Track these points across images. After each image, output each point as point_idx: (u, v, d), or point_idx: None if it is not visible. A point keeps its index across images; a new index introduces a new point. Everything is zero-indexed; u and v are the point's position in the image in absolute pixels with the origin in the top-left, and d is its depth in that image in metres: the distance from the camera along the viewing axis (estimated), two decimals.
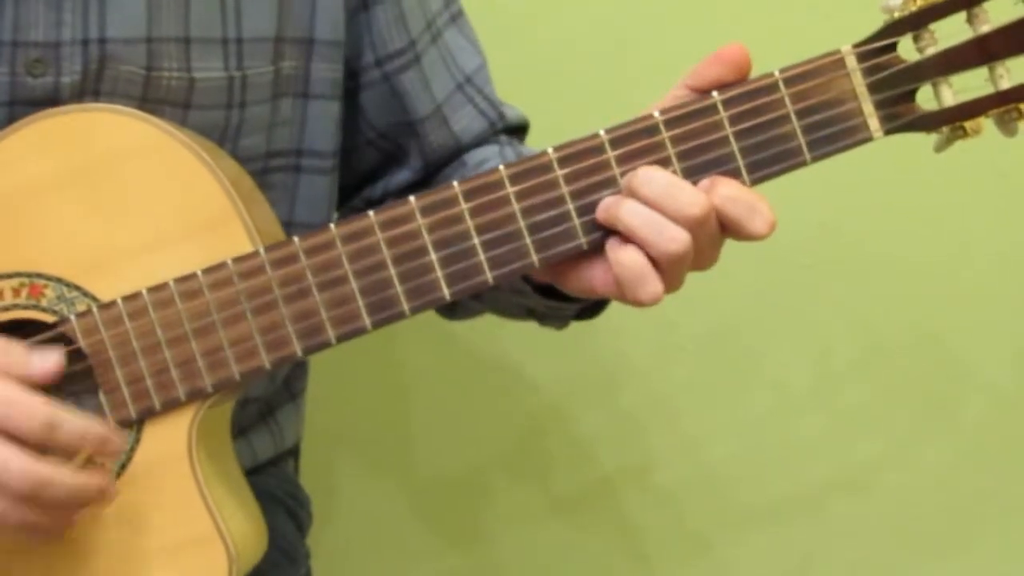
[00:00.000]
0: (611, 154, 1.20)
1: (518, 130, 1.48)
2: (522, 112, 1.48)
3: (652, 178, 1.18)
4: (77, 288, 1.22)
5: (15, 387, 1.16)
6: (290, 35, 1.35)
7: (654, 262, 1.18)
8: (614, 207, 1.19)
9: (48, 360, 1.19)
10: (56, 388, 1.26)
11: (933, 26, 1.19)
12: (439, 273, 1.22)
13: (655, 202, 1.17)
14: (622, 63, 1.79)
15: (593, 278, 1.22)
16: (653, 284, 1.18)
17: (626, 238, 1.18)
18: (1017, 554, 1.88)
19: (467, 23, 1.46)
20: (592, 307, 1.36)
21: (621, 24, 1.80)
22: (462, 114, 1.44)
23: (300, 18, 1.35)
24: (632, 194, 1.18)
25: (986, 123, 1.20)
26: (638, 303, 1.19)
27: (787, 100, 1.20)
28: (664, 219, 1.17)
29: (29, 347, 1.20)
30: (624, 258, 1.19)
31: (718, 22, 1.78)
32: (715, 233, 1.19)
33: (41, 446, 1.15)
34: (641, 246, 1.18)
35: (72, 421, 1.16)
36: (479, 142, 1.44)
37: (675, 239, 1.17)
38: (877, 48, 1.20)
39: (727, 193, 1.18)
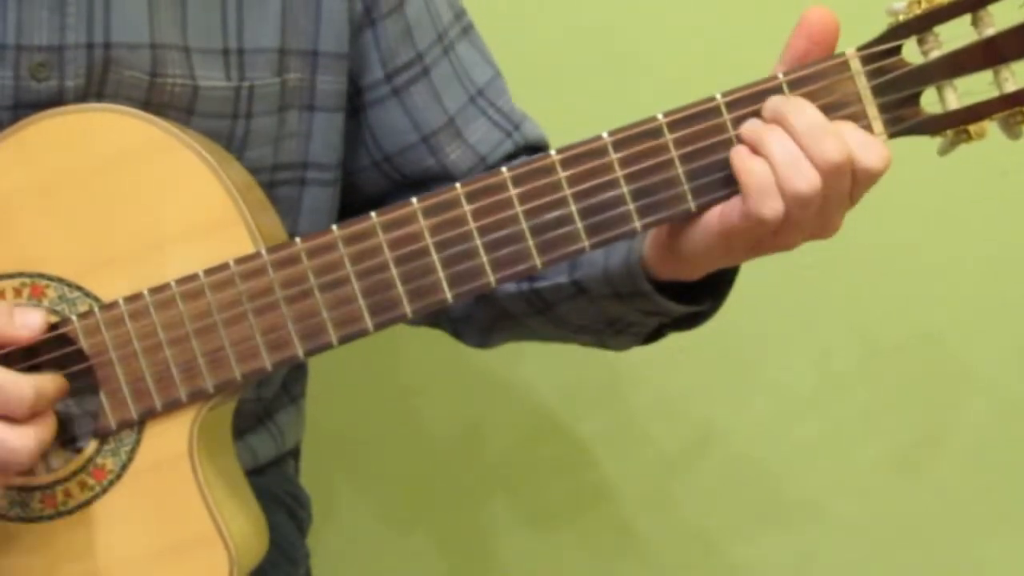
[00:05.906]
0: (614, 156, 1.20)
1: (536, 150, 1.45)
2: (542, 131, 1.46)
3: (804, 110, 1.18)
4: (79, 288, 1.22)
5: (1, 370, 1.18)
6: (294, 47, 1.34)
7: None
8: (762, 128, 1.18)
9: (30, 318, 1.20)
10: None
11: (938, 29, 1.19)
12: (441, 275, 1.21)
13: (799, 135, 1.17)
14: (624, 64, 1.79)
15: (710, 218, 1.21)
16: (776, 200, 1.17)
17: (754, 152, 1.18)
18: (1020, 556, 1.87)
19: (478, 36, 1.45)
20: (686, 318, 1.35)
21: (623, 25, 1.79)
22: (476, 126, 1.42)
23: (304, 30, 1.35)
24: (780, 120, 1.18)
25: (990, 126, 1.20)
26: (760, 219, 1.17)
27: None
28: (803, 156, 1.17)
29: (10, 307, 1.20)
30: (754, 166, 1.18)
31: (721, 23, 1.78)
32: (845, 191, 1.19)
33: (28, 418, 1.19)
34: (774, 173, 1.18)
35: (47, 384, 1.20)
36: (505, 156, 1.42)
37: (807, 177, 1.17)
38: (882, 51, 1.19)
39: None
